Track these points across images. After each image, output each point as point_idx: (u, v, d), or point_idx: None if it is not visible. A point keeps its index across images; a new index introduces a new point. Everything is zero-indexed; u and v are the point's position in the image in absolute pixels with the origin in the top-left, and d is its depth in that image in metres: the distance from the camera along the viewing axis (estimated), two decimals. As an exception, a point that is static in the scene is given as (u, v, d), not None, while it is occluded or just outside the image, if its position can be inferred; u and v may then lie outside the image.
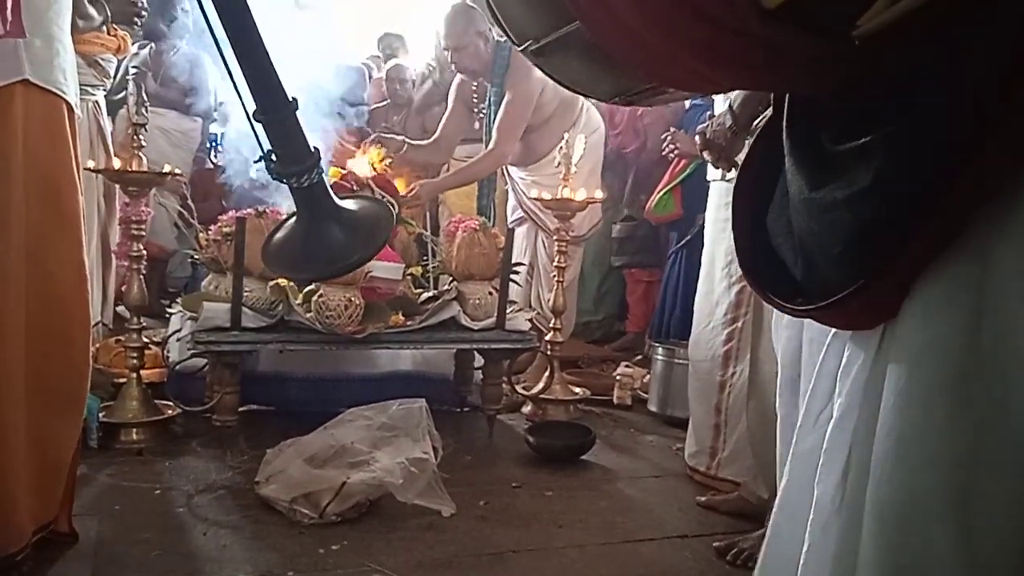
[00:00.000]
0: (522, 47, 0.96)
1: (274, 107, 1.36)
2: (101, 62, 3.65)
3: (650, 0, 0.72)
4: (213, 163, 5.79)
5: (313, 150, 1.44)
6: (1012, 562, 0.73)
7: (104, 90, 3.88)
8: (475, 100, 4.30)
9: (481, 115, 4.28)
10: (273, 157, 1.41)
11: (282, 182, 1.44)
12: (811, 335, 1.17)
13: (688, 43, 0.74)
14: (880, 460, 0.80)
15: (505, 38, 0.99)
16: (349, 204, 1.58)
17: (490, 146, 4.06)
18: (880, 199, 0.75)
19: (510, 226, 4.25)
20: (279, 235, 1.57)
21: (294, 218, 1.56)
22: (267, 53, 1.32)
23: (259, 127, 1.39)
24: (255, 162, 1.45)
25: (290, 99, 1.38)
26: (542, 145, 4.06)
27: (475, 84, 4.25)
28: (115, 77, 3.97)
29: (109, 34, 3.62)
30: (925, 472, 0.76)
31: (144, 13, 3.94)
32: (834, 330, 0.93)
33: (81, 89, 3.38)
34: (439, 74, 5.29)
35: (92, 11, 3.41)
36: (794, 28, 0.71)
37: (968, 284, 0.75)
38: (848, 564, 0.83)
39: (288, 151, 1.41)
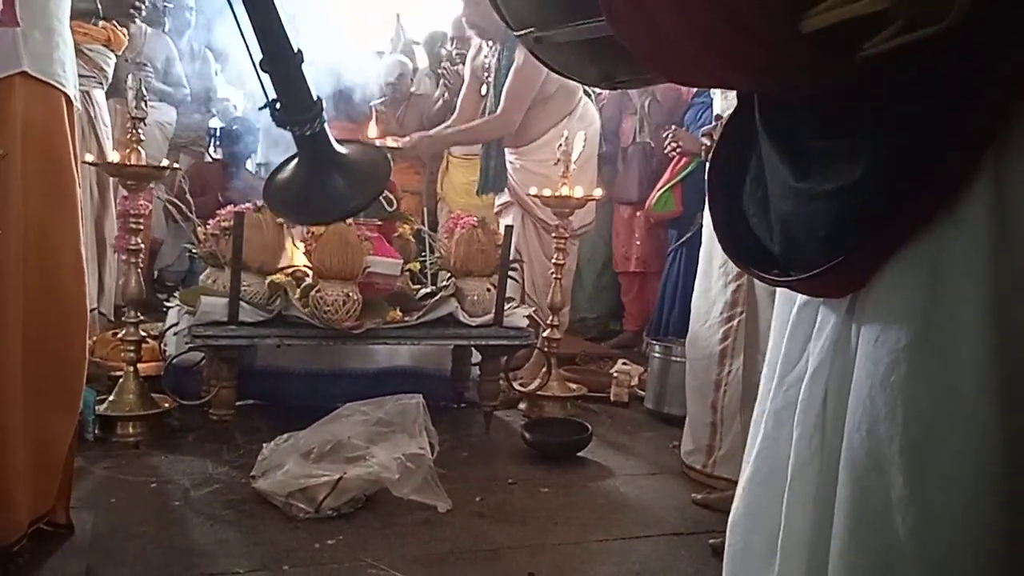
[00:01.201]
0: (520, 33, 0.97)
1: (280, 57, 1.40)
2: (88, 52, 3.58)
3: (691, 10, 0.77)
4: (212, 157, 5.82)
5: (316, 99, 1.47)
6: (961, 512, 0.82)
7: (99, 83, 3.83)
8: (486, 75, 4.18)
9: (488, 79, 4.15)
10: (277, 106, 1.45)
11: (285, 129, 1.48)
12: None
13: (719, 51, 0.81)
14: (852, 411, 0.91)
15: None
16: (347, 150, 1.61)
17: (498, 111, 3.96)
18: (866, 194, 0.85)
19: (496, 209, 4.22)
20: (281, 176, 1.59)
21: (295, 160, 1.58)
22: (274, 3, 1.35)
23: (265, 77, 1.43)
24: (259, 109, 1.49)
25: (295, 50, 1.41)
26: (537, 126, 3.99)
27: (485, 56, 4.18)
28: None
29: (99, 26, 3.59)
30: (884, 424, 0.87)
31: (139, 3, 3.84)
32: (804, 299, 1.02)
33: None
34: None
35: None
36: (818, 48, 0.78)
37: (924, 267, 0.86)
38: (826, 503, 0.94)
39: (292, 100, 1.44)
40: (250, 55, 1.41)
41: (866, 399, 0.88)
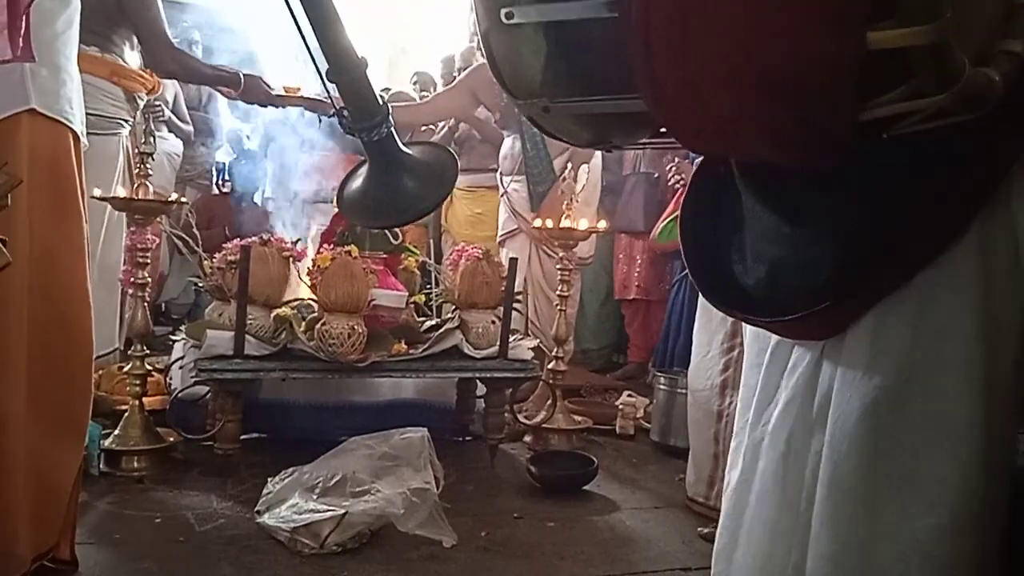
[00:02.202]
0: (525, 102, 0.98)
1: (346, 67, 1.42)
2: (137, 100, 3.61)
3: (751, 100, 0.78)
4: (220, 190, 5.85)
5: (382, 104, 1.49)
6: (946, 538, 0.88)
7: (131, 125, 3.84)
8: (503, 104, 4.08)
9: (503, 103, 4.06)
10: (345, 114, 1.48)
11: (353, 136, 1.50)
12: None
13: (769, 135, 0.83)
14: (835, 445, 0.94)
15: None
16: (414, 151, 1.62)
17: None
18: (862, 242, 0.89)
19: (500, 239, 4.21)
20: (354, 185, 1.60)
21: (366, 166, 1.59)
22: (339, 16, 1.37)
23: (332, 86, 1.46)
24: (328, 116, 1.54)
25: (360, 58, 1.43)
26: None
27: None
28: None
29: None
30: (871, 456, 0.91)
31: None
32: (777, 339, 1.06)
33: (114, 122, 3.35)
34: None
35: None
36: (858, 129, 0.80)
37: (910, 308, 0.90)
38: (786, 526, 0.99)
39: (359, 107, 1.47)
40: (315, 65, 1.44)
41: (851, 433, 0.92)
